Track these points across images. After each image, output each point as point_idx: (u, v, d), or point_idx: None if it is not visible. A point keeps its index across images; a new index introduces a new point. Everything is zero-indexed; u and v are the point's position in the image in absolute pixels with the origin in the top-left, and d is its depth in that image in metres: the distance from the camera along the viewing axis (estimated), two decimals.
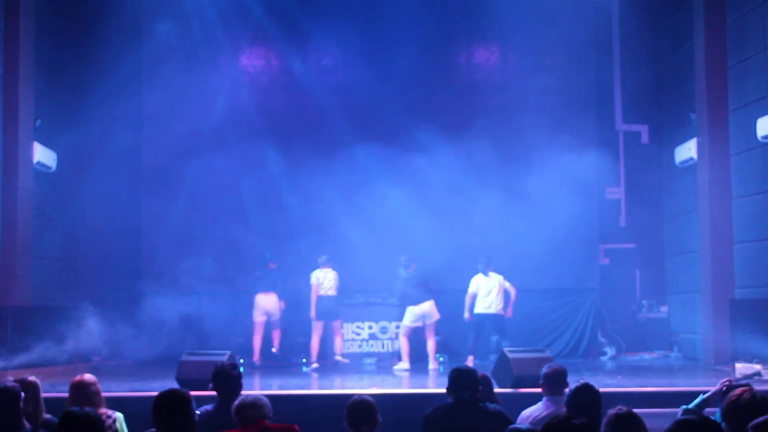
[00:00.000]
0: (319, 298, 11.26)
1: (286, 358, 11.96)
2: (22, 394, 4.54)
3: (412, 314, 10.98)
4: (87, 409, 4.07)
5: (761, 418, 3.40)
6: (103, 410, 5.07)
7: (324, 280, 11.26)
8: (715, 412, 4.74)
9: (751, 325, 9.89)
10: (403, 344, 11.01)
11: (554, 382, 5.20)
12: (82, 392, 5.13)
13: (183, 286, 12.20)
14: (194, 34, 12.94)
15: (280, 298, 11.54)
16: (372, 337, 12.31)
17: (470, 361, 10.76)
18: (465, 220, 12.45)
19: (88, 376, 5.30)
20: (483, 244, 12.46)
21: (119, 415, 5.19)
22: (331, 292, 11.27)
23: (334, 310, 11.37)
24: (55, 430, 4.16)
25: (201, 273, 12.14)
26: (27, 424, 4.51)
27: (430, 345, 11.02)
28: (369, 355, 12.27)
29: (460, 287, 12.50)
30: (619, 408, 3.64)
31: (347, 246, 11.49)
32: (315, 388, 8.11)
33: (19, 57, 10.72)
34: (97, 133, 12.83)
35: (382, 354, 12.25)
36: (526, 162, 12.39)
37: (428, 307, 10.97)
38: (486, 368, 7.69)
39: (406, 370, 10.67)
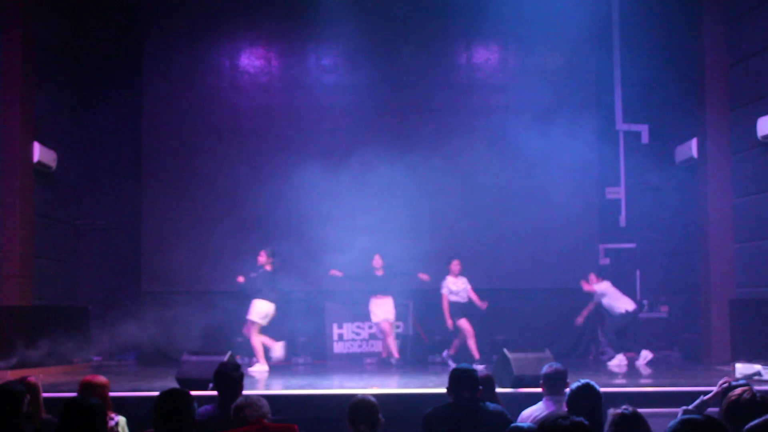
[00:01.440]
0: (451, 303, 11.21)
1: (287, 358, 11.96)
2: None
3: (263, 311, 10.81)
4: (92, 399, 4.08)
5: (758, 420, 3.37)
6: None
7: (453, 286, 11.21)
8: (716, 413, 4.72)
9: (751, 325, 9.89)
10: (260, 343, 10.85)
11: (554, 381, 5.20)
12: (91, 393, 5.08)
13: (183, 286, 12.21)
14: (194, 34, 12.97)
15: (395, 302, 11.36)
16: (372, 337, 12.30)
17: (619, 359, 11.09)
18: (465, 220, 12.46)
19: (101, 378, 5.26)
20: (483, 244, 12.49)
21: (122, 419, 5.17)
22: (455, 298, 11.21)
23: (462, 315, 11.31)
24: (56, 430, 4.15)
25: (201, 273, 12.16)
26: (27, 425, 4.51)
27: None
28: (369, 355, 12.25)
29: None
30: (625, 408, 3.58)
31: (346, 246, 11.46)
32: (315, 388, 8.10)
33: (18, 57, 10.71)
34: (97, 133, 12.86)
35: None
36: (526, 162, 12.41)
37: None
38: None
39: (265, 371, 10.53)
